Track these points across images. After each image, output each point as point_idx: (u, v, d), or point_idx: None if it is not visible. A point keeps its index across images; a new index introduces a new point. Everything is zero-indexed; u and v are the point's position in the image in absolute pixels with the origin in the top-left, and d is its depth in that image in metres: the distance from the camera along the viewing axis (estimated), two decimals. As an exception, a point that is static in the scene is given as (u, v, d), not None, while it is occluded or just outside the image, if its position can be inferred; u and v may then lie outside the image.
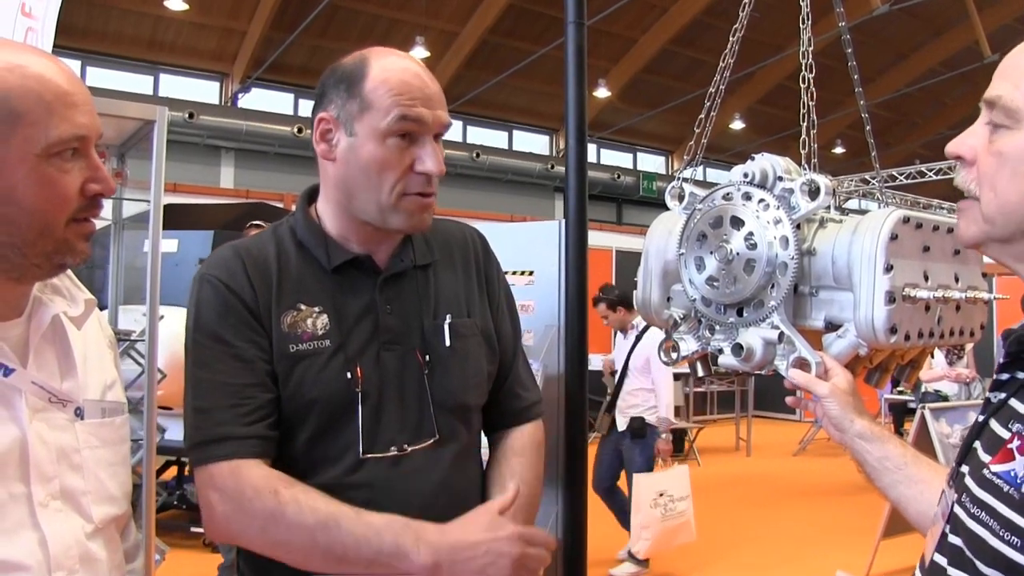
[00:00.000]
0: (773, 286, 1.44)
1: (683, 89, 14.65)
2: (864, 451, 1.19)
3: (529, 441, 1.43)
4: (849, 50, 2.38)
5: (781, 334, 1.44)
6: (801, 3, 2.00)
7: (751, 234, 1.46)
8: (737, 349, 1.48)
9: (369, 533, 1.15)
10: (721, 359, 1.54)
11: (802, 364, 1.38)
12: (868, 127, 2.37)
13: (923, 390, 7.48)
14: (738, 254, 1.47)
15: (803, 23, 1.99)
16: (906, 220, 1.39)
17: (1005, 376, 0.90)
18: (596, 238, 11.01)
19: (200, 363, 1.24)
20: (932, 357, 7.12)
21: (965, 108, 17.38)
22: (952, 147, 0.90)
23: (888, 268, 1.35)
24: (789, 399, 1.38)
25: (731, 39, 2.12)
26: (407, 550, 1.14)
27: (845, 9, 2.63)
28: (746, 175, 1.50)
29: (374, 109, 1.21)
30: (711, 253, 1.52)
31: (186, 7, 11.61)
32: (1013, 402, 0.86)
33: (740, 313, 1.51)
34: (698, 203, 1.59)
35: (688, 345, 1.60)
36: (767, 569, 5.15)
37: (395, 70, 1.23)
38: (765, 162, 1.49)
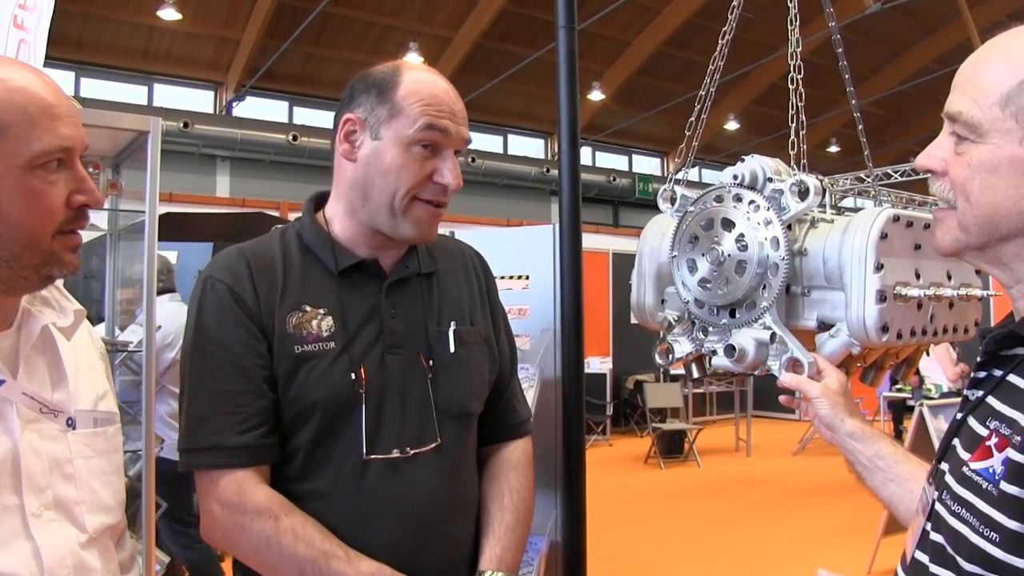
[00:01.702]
0: (765, 287, 1.45)
1: (677, 91, 14.65)
2: (855, 450, 1.20)
3: (524, 456, 1.45)
4: (840, 50, 2.39)
5: (773, 334, 1.44)
6: (789, 4, 2.00)
7: (742, 235, 1.46)
8: (729, 350, 1.48)
9: None
10: (715, 360, 1.55)
11: (795, 364, 1.39)
12: (860, 127, 2.37)
13: (946, 389, 7.42)
14: (729, 255, 1.48)
15: (791, 24, 2.00)
16: (896, 219, 1.40)
17: (982, 374, 0.91)
18: (593, 241, 11.02)
19: (198, 368, 1.25)
20: (928, 355, 7.08)
21: (959, 106, 17.34)
22: (922, 161, 0.93)
23: (878, 267, 1.35)
24: (783, 398, 1.38)
25: (720, 41, 2.12)
26: None
27: (838, 8, 2.63)
28: (736, 177, 1.51)
29: (403, 116, 1.24)
30: (703, 255, 1.52)
31: (180, 17, 11.59)
32: (990, 399, 0.87)
33: (733, 314, 1.51)
34: (689, 205, 1.60)
35: (683, 347, 1.60)
36: (769, 569, 5.15)
37: (426, 83, 1.27)
38: (755, 164, 1.50)
